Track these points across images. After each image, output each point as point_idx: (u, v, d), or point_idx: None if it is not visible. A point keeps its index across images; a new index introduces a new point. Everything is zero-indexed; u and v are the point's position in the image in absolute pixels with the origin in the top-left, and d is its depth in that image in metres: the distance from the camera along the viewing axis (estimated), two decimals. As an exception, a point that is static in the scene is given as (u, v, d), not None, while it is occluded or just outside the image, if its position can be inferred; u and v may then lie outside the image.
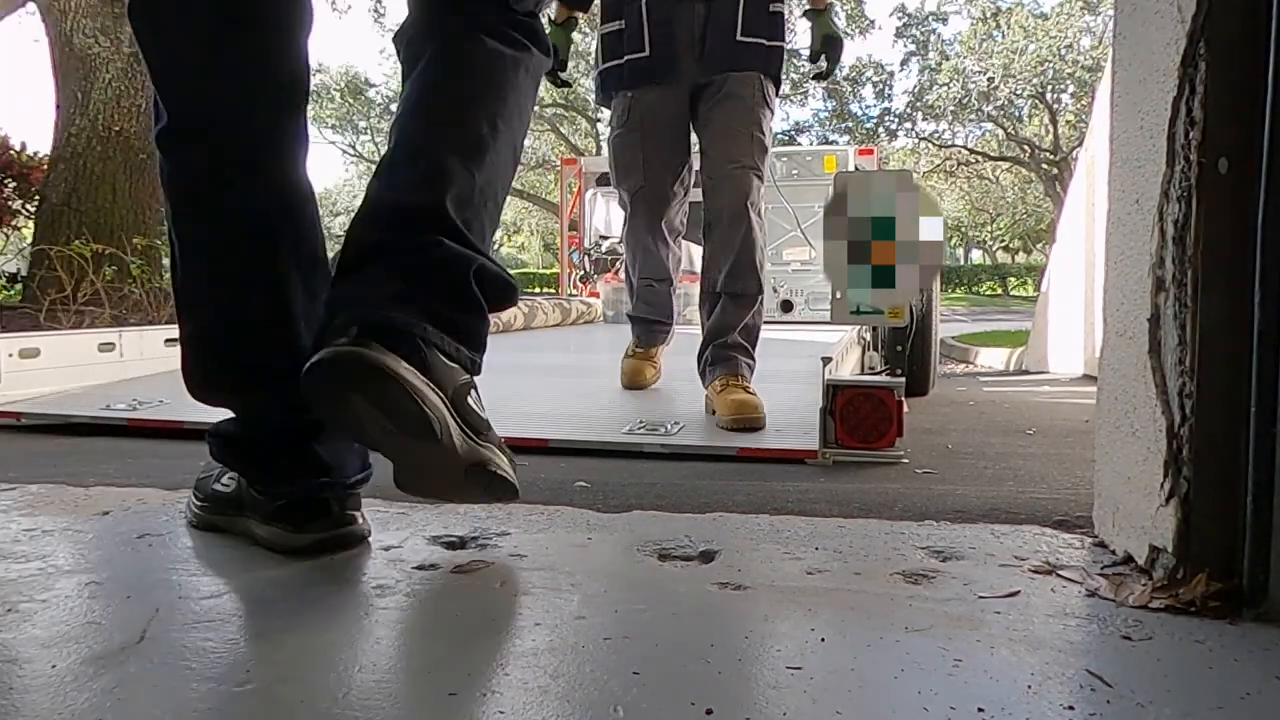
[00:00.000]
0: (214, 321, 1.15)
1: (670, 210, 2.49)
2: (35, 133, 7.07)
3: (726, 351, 2.32)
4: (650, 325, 2.74)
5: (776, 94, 2.45)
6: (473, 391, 1.06)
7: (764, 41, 2.34)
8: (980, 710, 0.73)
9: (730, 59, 2.32)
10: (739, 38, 2.30)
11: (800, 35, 12.20)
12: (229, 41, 1.07)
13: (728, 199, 2.33)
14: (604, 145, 3.40)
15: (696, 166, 2.48)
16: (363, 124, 28.49)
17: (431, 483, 1.08)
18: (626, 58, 2.37)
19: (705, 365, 2.37)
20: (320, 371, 0.93)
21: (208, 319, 1.15)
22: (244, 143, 1.10)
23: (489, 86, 1.12)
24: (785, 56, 2.48)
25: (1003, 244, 40.11)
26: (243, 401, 1.17)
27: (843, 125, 26.50)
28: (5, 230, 5.89)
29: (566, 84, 2.76)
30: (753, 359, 2.36)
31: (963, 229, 37.58)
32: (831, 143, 24.39)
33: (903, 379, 2.23)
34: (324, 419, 1.07)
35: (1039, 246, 34.16)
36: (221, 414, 1.23)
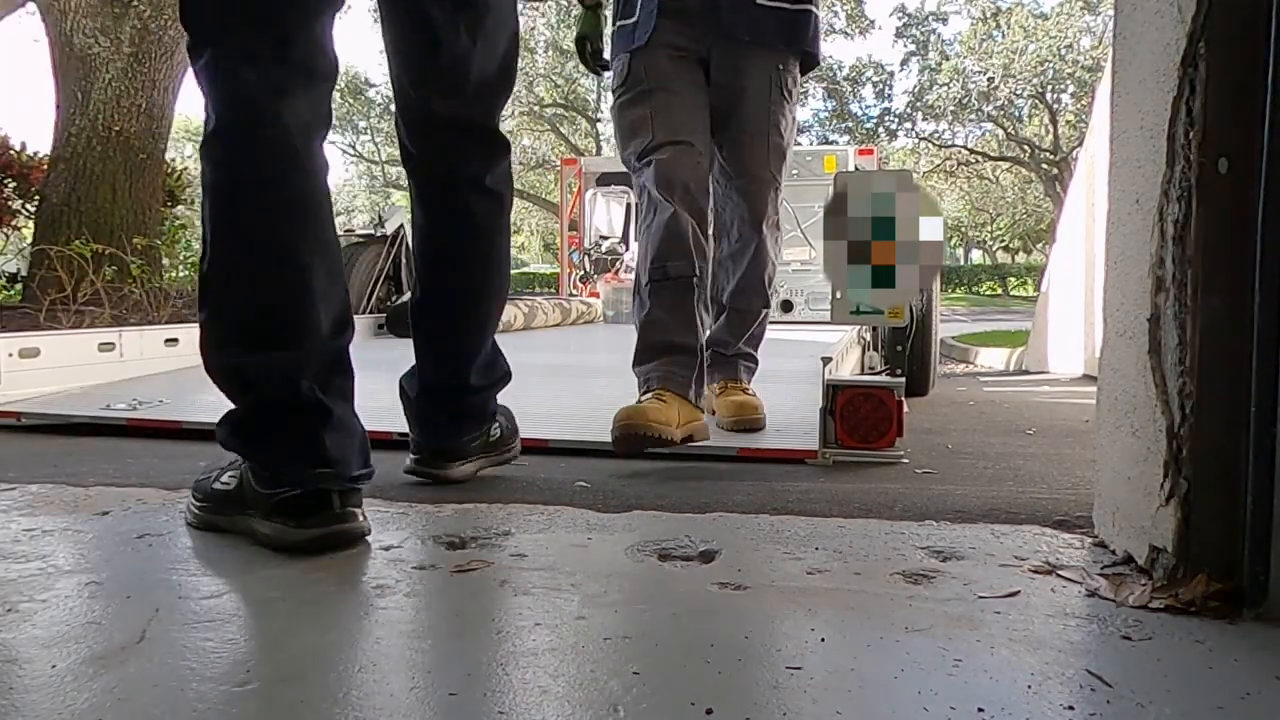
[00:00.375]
0: (244, 299, 1.23)
1: (692, 175, 2.01)
2: (35, 133, 7.06)
3: (727, 357, 2.25)
4: (660, 354, 1.99)
5: (808, 72, 2.19)
6: (493, 428, 1.71)
7: (786, 6, 2.03)
8: (980, 710, 0.73)
9: (746, 28, 2.00)
10: (759, 1, 2.01)
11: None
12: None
13: (740, 214, 2.13)
14: (605, 145, 3.26)
15: None
16: (363, 124, 28.50)
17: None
18: (619, 23, 2.09)
19: (705, 367, 2.25)
20: (418, 473, 1.63)
21: (238, 296, 1.24)
22: (285, 135, 1.22)
23: (493, 271, 1.59)
24: (818, 24, 2.15)
25: (1003, 244, 40.12)
26: (264, 371, 1.21)
27: (843, 125, 26.51)
28: (5, 230, 5.89)
29: (607, 66, 2.34)
30: (755, 362, 2.30)
31: (963, 229, 37.58)
32: (831, 143, 24.40)
33: (902, 379, 2.23)
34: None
35: (1039, 246, 34.17)
36: (223, 409, 1.24)
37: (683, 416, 1.92)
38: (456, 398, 1.61)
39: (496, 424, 1.71)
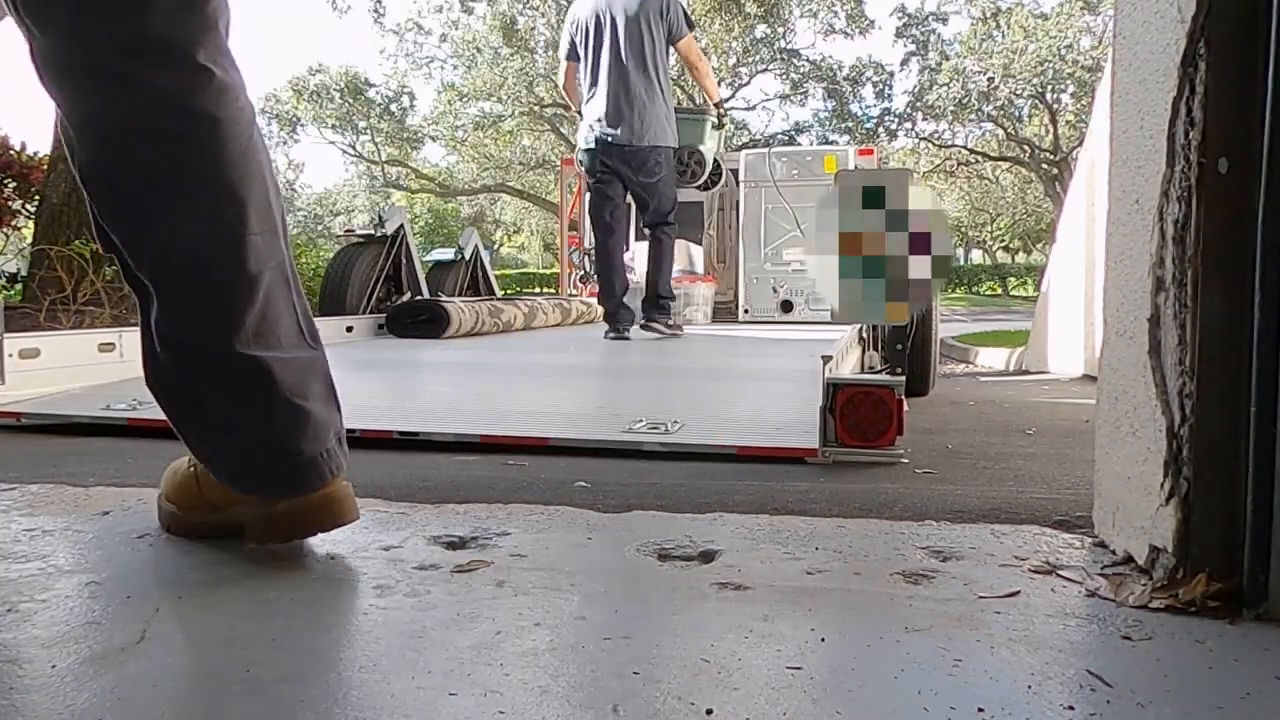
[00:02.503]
0: None
1: None
2: (35, 133, 7.05)
3: None
4: None
5: None
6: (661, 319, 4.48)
7: None
8: (980, 710, 0.73)
9: None
10: None
11: (800, 35, 12.07)
12: None
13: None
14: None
15: None
16: (363, 124, 28.47)
17: None
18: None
19: None
20: (647, 327, 4.57)
21: None
22: None
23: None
24: None
25: (1003, 244, 40.13)
26: None
27: (843, 125, 26.48)
28: (5, 230, 5.89)
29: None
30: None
31: (963, 229, 37.56)
32: (831, 143, 24.37)
33: (903, 378, 2.22)
34: None
35: (1039, 246, 34.19)
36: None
37: None
38: (659, 300, 3.98)
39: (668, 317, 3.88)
